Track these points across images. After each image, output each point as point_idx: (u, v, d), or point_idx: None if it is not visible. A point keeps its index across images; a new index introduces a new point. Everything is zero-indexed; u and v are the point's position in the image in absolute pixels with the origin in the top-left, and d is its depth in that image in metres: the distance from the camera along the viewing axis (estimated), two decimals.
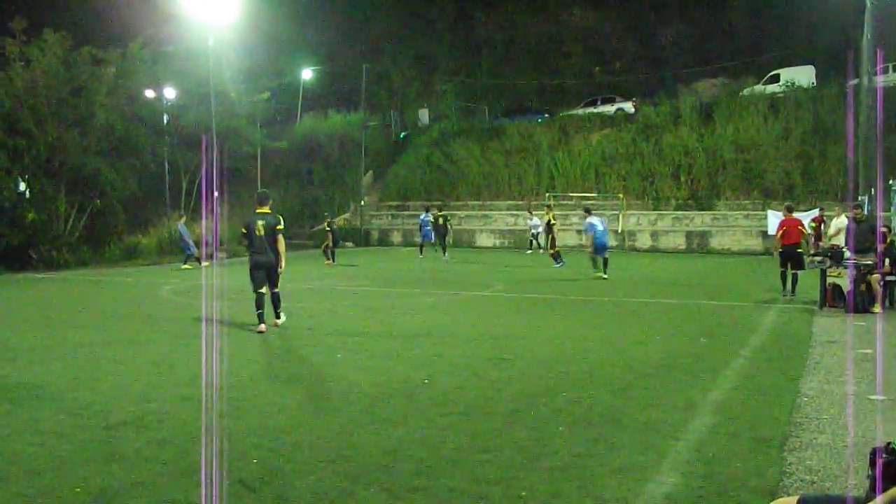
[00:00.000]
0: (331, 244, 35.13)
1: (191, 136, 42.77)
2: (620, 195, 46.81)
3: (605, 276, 26.54)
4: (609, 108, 55.70)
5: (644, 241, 45.93)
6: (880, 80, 30.55)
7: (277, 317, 15.95)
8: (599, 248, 27.10)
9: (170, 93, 44.22)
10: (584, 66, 69.24)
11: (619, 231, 45.73)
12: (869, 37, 27.49)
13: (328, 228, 35.52)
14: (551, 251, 32.53)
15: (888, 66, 44.42)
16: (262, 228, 15.55)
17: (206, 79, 38.47)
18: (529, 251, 42.60)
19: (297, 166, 56.77)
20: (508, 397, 9.77)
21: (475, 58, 71.69)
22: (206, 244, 32.78)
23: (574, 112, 57.16)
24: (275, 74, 52.74)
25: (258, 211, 15.91)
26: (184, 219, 33.72)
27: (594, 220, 27.48)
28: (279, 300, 16.01)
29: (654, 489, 6.55)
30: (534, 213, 43.05)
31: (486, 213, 50.79)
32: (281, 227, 15.87)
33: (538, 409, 9.19)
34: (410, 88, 69.25)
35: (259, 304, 15.55)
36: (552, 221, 33.32)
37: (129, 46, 38.71)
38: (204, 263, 31.83)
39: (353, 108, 61.31)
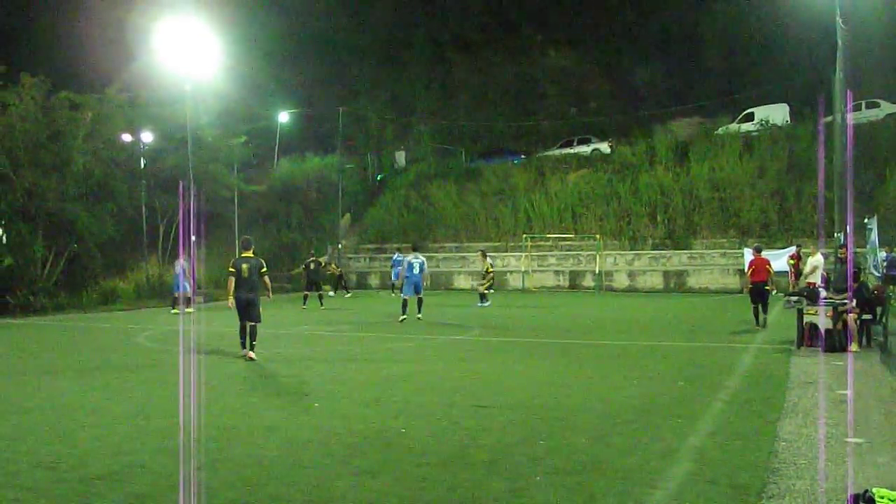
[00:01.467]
0: (306, 286, 35.42)
1: (168, 180, 42.74)
2: (597, 235, 46.93)
3: (420, 317, 27.72)
4: (585, 149, 55.98)
5: (621, 281, 46.01)
6: (851, 119, 30.80)
7: (252, 348, 18.12)
8: (410, 287, 27.68)
9: (147, 137, 44.18)
10: (560, 107, 69.69)
11: (597, 271, 45.81)
12: (841, 75, 27.72)
13: (312, 267, 35.47)
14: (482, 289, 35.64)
15: (860, 104, 44.86)
16: (247, 270, 18.32)
17: (183, 123, 38.51)
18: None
19: (274, 209, 56.71)
20: (486, 446, 9.71)
21: (452, 100, 72.06)
22: (183, 289, 32.55)
23: (550, 153, 57.43)
24: (251, 118, 52.81)
25: (243, 255, 18.81)
26: (182, 260, 33.33)
27: (412, 259, 27.90)
28: (255, 333, 18.29)
29: None
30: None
31: (464, 254, 50.81)
32: (265, 269, 18.91)
33: (516, 457, 9.16)
34: (387, 131, 69.45)
35: (243, 333, 18.35)
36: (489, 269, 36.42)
37: (106, 91, 38.76)
38: (187, 310, 31.34)
39: (331, 150, 61.40)
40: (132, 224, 44.17)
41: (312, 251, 40.33)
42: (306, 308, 33.64)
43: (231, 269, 18.41)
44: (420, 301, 27.66)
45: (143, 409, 12.41)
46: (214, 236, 44.36)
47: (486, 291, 35.05)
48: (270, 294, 19.49)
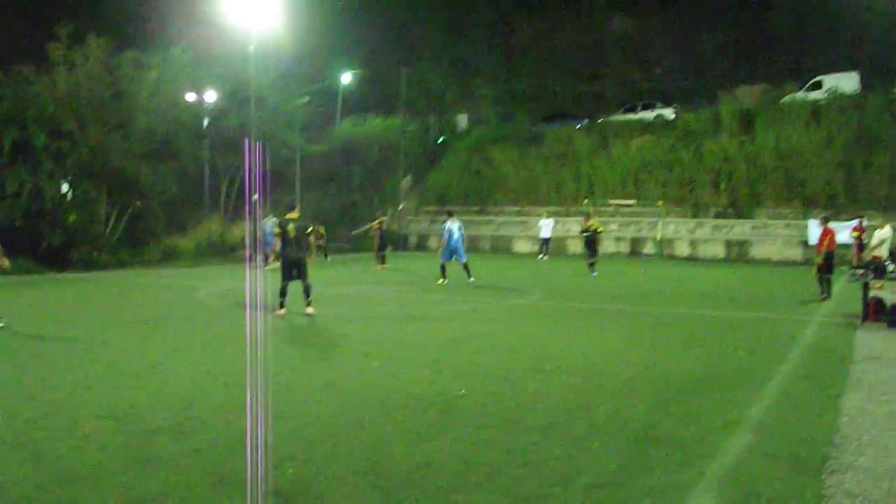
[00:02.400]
0: (379, 246, 35.13)
1: (231, 139, 42.97)
2: (659, 202, 46.58)
3: (472, 280, 27.28)
4: (649, 115, 55.38)
5: (682, 249, 45.69)
6: None
7: (308, 304, 18.64)
8: (448, 253, 27.70)
9: (210, 96, 44.44)
10: (624, 73, 68.96)
11: (658, 239, 45.51)
12: None
13: (379, 228, 35.49)
14: (591, 260, 31.86)
15: None
16: (293, 231, 18.56)
17: (247, 83, 38.69)
18: (540, 256, 42.69)
19: (336, 170, 56.80)
20: (545, 410, 9.70)
21: (515, 63, 71.59)
22: (246, 247, 32.78)
23: (614, 118, 56.92)
24: (314, 78, 52.83)
25: (288, 217, 18.93)
26: (271, 217, 33.10)
27: (452, 225, 27.82)
28: (310, 290, 18.66)
29: None
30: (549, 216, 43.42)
31: (524, 219, 50.64)
32: (310, 230, 19.12)
33: (574, 423, 9.13)
34: (449, 93, 69.22)
35: (283, 293, 18.66)
36: (599, 230, 32.43)
37: (170, 51, 38.99)
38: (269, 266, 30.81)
39: (392, 112, 61.33)
40: (194, 183, 44.52)
41: (381, 211, 40.15)
42: (386, 267, 33.78)
43: (277, 231, 18.86)
44: (465, 266, 27.56)
45: (204, 364, 12.52)
46: (276, 196, 44.61)
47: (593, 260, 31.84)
48: (314, 255, 19.71)
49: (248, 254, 33.11)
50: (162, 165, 38.37)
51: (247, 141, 37.54)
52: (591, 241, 31.81)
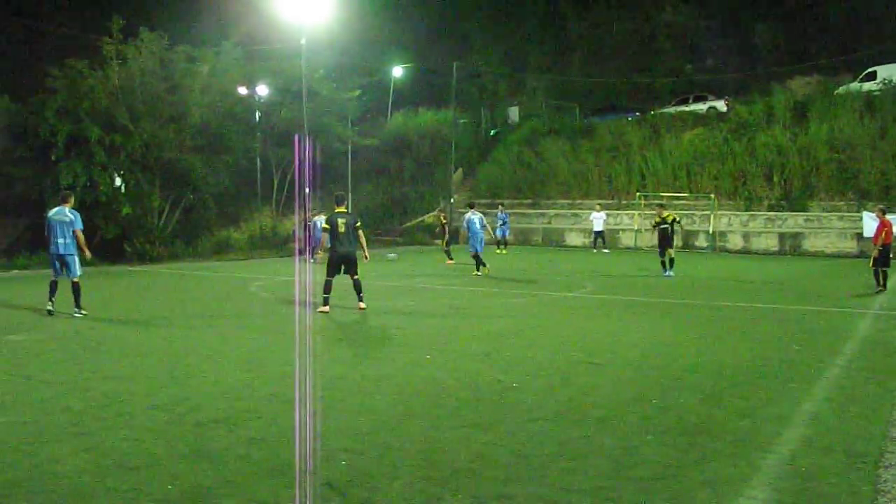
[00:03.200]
0: (446, 239, 34.76)
1: (282, 133, 43.27)
2: (712, 195, 46.25)
3: (479, 273, 27.72)
4: (701, 107, 54.98)
5: (735, 242, 45.35)
6: None
7: (360, 299, 18.37)
8: (473, 244, 28.28)
9: (262, 90, 44.73)
10: (676, 64, 68.51)
11: (710, 232, 45.24)
12: None
13: (444, 222, 35.41)
14: (664, 258, 28.47)
15: None
16: (342, 225, 18.03)
17: (298, 77, 38.87)
18: (595, 250, 42.40)
19: (387, 163, 56.93)
20: (597, 403, 9.70)
21: (565, 56, 71.34)
22: (298, 240, 32.95)
23: (665, 110, 56.56)
24: (365, 72, 53.05)
25: (337, 210, 18.38)
26: (319, 213, 31.96)
27: (473, 216, 28.40)
28: (360, 286, 18.38)
29: None
30: (601, 208, 43.07)
31: (576, 212, 50.50)
32: (360, 224, 18.54)
33: (627, 416, 9.12)
34: (500, 86, 69.15)
35: (327, 289, 18.07)
36: (677, 219, 29.20)
37: (222, 45, 39.30)
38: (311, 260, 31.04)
39: (444, 105, 61.34)
40: (246, 176, 44.85)
41: (443, 204, 39.75)
42: (454, 261, 32.76)
43: (326, 226, 18.30)
44: (476, 257, 28.02)
45: (256, 356, 12.65)
46: (328, 189, 44.80)
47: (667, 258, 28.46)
48: (367, 253, 18.78)
49: (297, 247, 33.23)
50: (214, 159, 38.68)
51: (298, 135, 37.73)
52: (666, 235, 28.39)
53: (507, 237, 39.04)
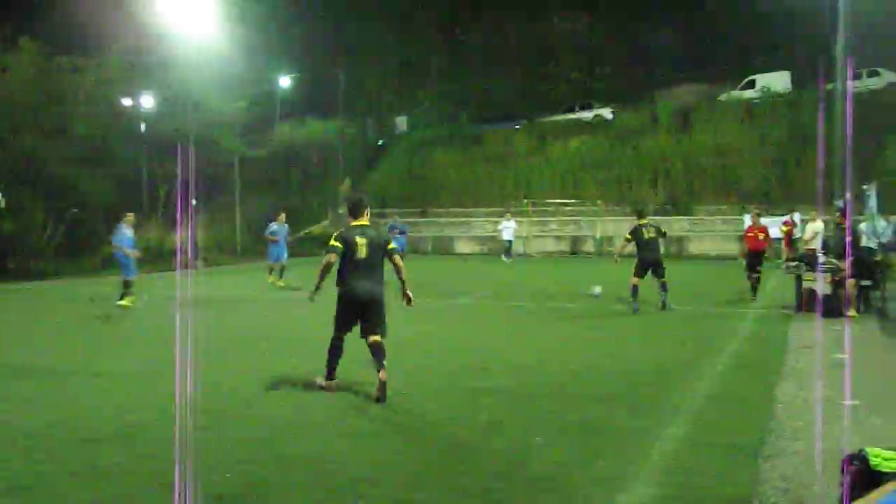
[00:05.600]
0: None
1: (169, 144, 42.70)
2: (598, 201, 46.92)
3: (282, 285, 26.86)
4: (587, 114, 55.87)
5: (622, 246, 45.95)
6: (852, 87, 30.78)
7: (380, 368, 10.44)
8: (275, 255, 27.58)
9: (148, 101, 44.14)
10: (564, 73, 69.33)
11: (597, 237, 45.83)
12: (842, 44, 27.70)
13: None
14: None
15: (861, 73, 44.80)
16: (364, 248, 10.87)
17: (184, 87, 38.47)
18: (506, 259, 42.42)
19: (275, 174, 56.58)
20: (488, 407, 9.85)
21: (459, 63, 71.69)
22: (182, 253, 32.52)
23: (552, 118, 57.33)
24: (252, 82, 52.63)
25: (355, 224, 11.14)
26: (282, 216, 29.37)
27: (274, 226, 27.80)
28: (383, 352, 10.66)
29: (630, 500, 6.63)
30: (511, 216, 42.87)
31: (466, 219, 50.81)
32: (392, 245, 11.24)
33: (518, 418, 9.28)
34: (389, 95, 69.25)
35: (333, 353, 11.25)
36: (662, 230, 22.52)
37: (106, 55, 38.68)
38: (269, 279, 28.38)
39: (332, 115, 61.20)
40: (133, 188, 44.15)
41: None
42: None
43: (335, 244, 10.93)
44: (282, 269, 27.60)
45: (146, 371, 12.52)
46: (215, 201, 44.38)
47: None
48: (410, 291, 11.13)
49: (180, 259, 32.81)
50: (99, 171, 38.01)
51: (184, 146, 37.30)
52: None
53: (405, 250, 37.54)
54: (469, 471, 7.43)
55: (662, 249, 22.56)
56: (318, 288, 11.25)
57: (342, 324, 11.20)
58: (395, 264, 11.02)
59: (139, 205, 43.90)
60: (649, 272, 20.70)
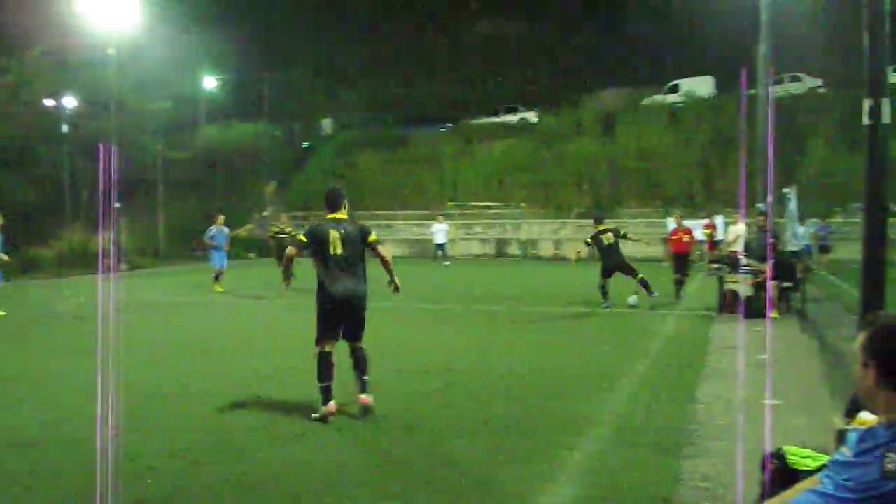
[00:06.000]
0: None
1: (91, 145, 42.11)
2: (522, 204, 47.12)
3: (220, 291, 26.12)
4: (512, 118, 56.12)
5: (547, 249, 46.20)
6: (773, 92, 31.26)
7: (364, 387, 9.71)
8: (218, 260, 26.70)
9: (70, 102, 43.53)
10: (490, 76, 69.66)
11: (522, 240, 46.02)
12: (764, 49, 28.14)
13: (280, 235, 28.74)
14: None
15: (783, 78, 45.46)
16: (338, 242, 9.96)
17: (107, 88, 37.97)
18: (435, 261, 42.19)
19: (199, 176, 56.03)
20: (409, 409, 9.86)
21: (381, 67, 71.72)
22: (105, 256, 32.05)
23: (477, 122, 57.50)
24: (177, 84, 52.16)
25: (330, 216, 10.27)
26: (221, 219, 28.08)
27: (213, 230, 26.93)
28: (366, 362, 9.93)
29: (552, 500, 6.64)
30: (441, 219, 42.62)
31: (390, 222, 50.72)
32: (374, 237, 10.48)
33: (438, 420, 9.29)
34: (314, 98, 69.04)
35: (324, 371, 9.69)
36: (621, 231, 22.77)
37: (27, 54, 38.10)
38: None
39: (257, 117, 60.83)
40: (54, 190, 43.53)
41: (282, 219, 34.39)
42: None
43: (300, 238, 10.23)
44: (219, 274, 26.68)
45: (66, 377, 12.30)
46: (138, 203, 43.88)
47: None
48: (397, 280, 10.85)
49: (104, 262, 32.33)
50: (20, 173, 37.43)
51: (106, 147, 36.78)
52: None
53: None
54: (391, 473, 7.42)
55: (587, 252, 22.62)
56: (286, 276, 10.83)
57: (325, 332, 9.92)
58: (380, 256, 10.41)
59: (61, 207, 43.28)
60: (618, 274, 21.35)
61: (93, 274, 33.15)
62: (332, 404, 9.45)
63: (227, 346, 15.05)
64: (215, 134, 60.53)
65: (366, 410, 9.50)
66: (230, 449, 8.31)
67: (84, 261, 38.14)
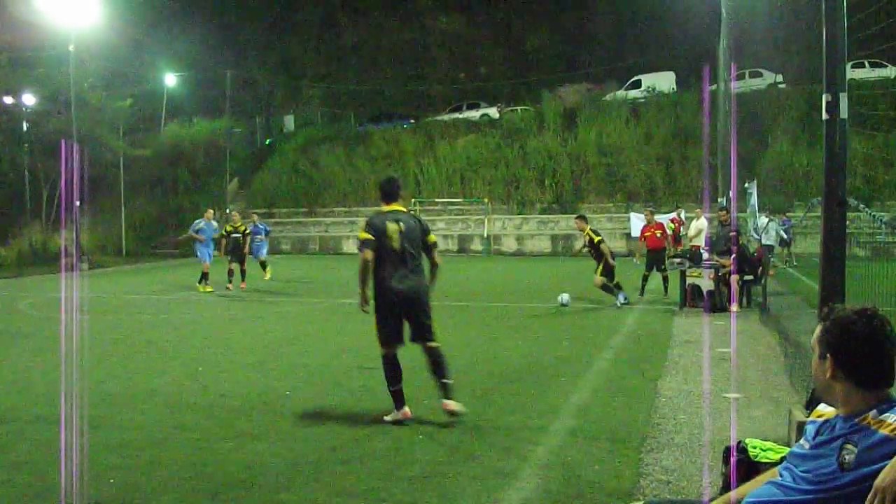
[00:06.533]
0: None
1: (51, 143, 41.81)
2: (485, 200, 47.16)
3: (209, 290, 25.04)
4: (474, 114, 56.11)
5: (509, 245, 46.26)
6: (734, 87, 31.43)
7: (446, 391, 9.18)
8: (205, 255, 25.78)
9: (29, 99, 43.19)
10: (451, 72, 69.69)
11: (485, 235, 46.05)
12: (725, 45, 28.30)
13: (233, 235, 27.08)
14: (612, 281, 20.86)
15: (744, 73, 45.68)
16: (397, 237, 9.21)
17: (67, 85, 37.69)
18: None
19: (161, 174, 55.76)
20: (369, 407, 9.77)
21: (342, 64, 71.58)
22: (67, 254, 31.86)
23: (439, 118, 57.47)
24: (138, 80, 51.91)
25: (388, 209, 9.59)
26: (210, 213, 27.38)
27: (201, 223, 26.05)
28: (444, 362, 9.39)
29: (512, 495, 6.61)
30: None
31: (353, 219, 50.61)
32: (433, 237, 9.69)
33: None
34: (276, 94, 68.86)
35: (391, 373, 9.30)
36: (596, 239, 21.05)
37: None
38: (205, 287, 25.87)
39: (219, 114, 60.58)
40: (14, 189, 43.22)
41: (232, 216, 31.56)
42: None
43: (367, 236, 9.23)
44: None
45: (24, 376, 12.16)
46: (100, 201, 43.61)
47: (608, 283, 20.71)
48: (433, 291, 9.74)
49: (68, 261, 32.15)
50: None
51: (67, 145, 36.51)
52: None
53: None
54: (351, 471, 7.35)
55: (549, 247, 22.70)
56: (363, 296, 9.43)
57: (388, 335, 9.34)
58: (432, 260, 9.53)
59: (21, 206, 42.97)
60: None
61: (54, 273, 32.83)
62: (406, 409, 9.08)
63: (186, 344, 14.94)
64: (177, 131, 60.30)
65: (452, 415, 8.95)
66: (188, 448, 8.20)
67: (45, 260, 37.91)
